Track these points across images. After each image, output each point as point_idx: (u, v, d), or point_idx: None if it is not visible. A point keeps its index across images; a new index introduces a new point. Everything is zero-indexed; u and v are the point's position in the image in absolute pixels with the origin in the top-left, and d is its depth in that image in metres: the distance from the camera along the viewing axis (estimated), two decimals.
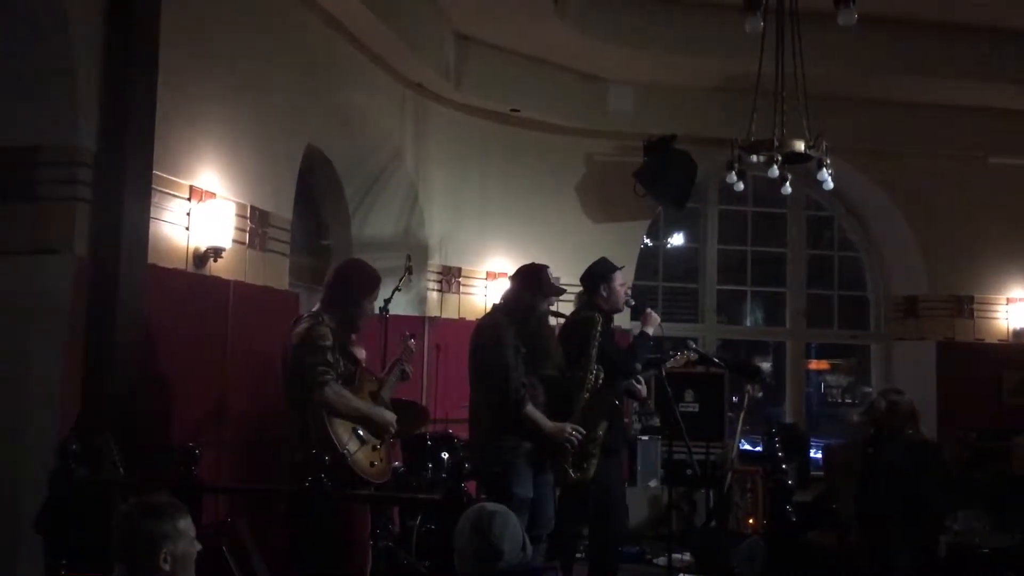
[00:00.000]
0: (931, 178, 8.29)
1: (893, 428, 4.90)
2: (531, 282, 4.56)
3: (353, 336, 4.26)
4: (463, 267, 7.52)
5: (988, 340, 8.33)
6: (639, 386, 5.15)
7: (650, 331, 5.00)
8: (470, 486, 5.05)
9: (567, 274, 5.52)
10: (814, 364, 10.83)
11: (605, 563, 5.02)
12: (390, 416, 4.16)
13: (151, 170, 4.08)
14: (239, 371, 4.78)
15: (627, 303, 5.10)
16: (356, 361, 4.24)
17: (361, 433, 4.00)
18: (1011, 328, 8.33)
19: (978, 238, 8.31)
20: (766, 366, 10.47)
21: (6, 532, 3.70)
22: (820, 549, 5.49)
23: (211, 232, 4.54)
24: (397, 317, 6.03)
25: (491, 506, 2.86)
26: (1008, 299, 8.36)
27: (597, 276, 4.96)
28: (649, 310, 5.08)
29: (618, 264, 5.13)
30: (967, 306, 8.33)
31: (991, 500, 6.05)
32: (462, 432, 5.67)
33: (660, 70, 7.60)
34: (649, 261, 8.64)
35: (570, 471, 4.56)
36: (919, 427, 5.05)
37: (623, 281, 5.02)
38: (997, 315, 8.37)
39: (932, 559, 4.94)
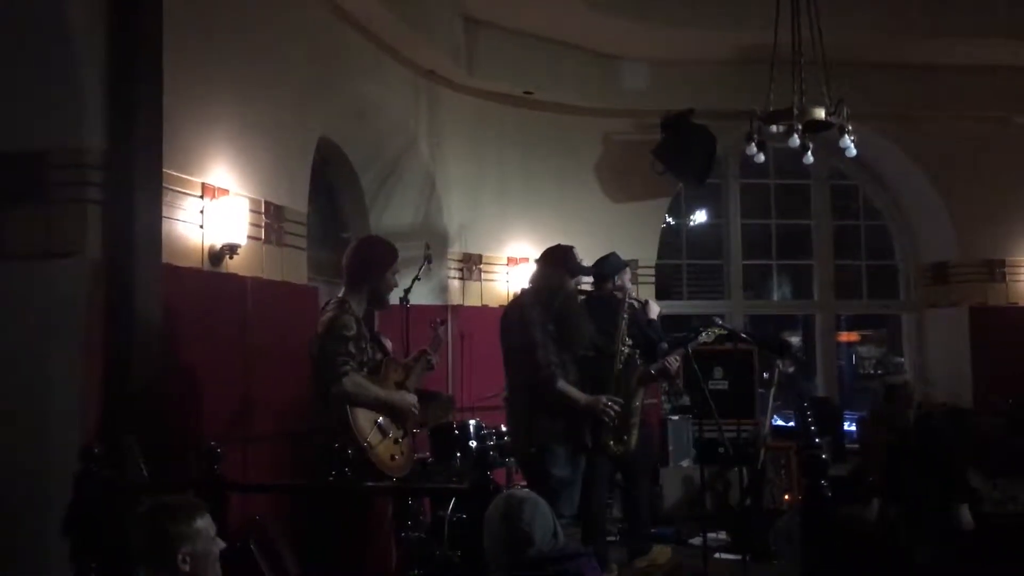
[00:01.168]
0: (956, 141, 8.10)
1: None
2: (557, 262, 4.65)
3: (377, 325, 4.24)
4: (484, 254, 7.46)
5: (1022, 304, 8.14)
6: (674, 363, 5.30)
7: (654, 317, 5.34)
8: (498, 474, 5.02)
9: (589, 256, 5.44)
10: (844, 336, 10.67)
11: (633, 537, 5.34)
12: (411, 398, 4.13)
13: (161, 169, 4.04)
14: (261, 367, 4.75)
15: (635, 300, 5.38)
16: (385, 350, 4.22)
17: (382, 425, 3.96)
18: None
19: (1007, 200, 8.12)
20: (795, 340, 10.34)
21: (35, 535, 3.70)
22: (857, 523, 5.39)
23: (226, 229, 4.50)
24: (419, 306, 5.98)
25: (520, 493, 2.82)
26: None
27: (607, 272, 5.22)
28: (648, 299, 5.56)
29: (626, 257, 5.56)
30: (999, 270, 8.15)
31: None
32: (489, 420, 5.63)
33: (674, 44, 7.47)
34: (672, 239, 8.53)
35: (611, 444, 4.57)
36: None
37: (630, 276, 5.45)
38: None
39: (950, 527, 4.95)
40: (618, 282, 5.21)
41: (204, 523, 2.37)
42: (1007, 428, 6.86)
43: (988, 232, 8.16)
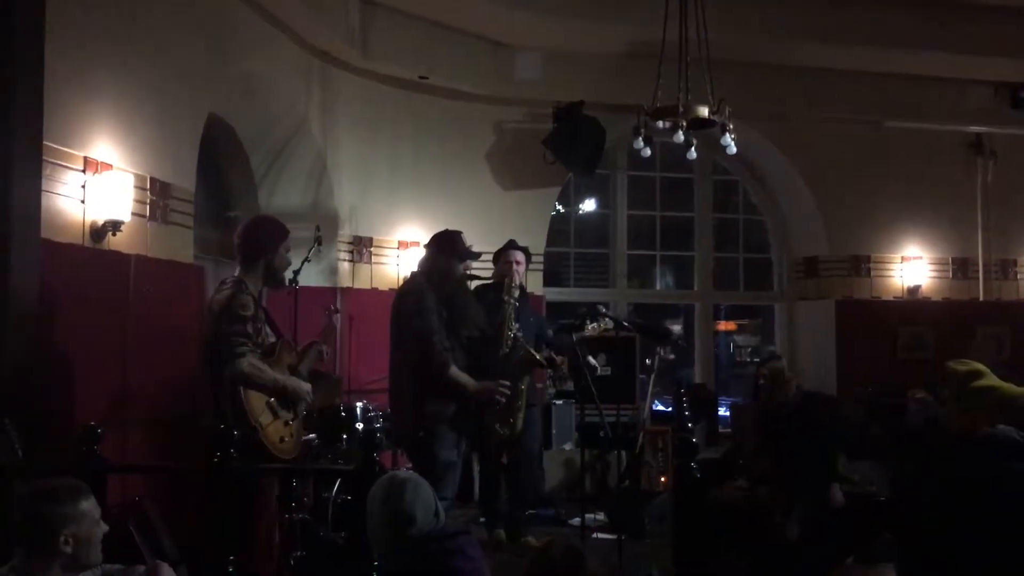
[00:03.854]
0: (829, 142, 8.54)
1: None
2: (446, 247, 4.69)
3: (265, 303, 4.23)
4: (374, 237, 7.46)
5: (884, 298, 8.67)
6: (558, 358, 5.41)
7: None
8: (384, 457, 5.07)
9: (479, 242, 5.52)
10: (722, 325, 11.10)
11: (516, 516, 5.49)
12: (306, 387, 4.15)
13: (41, 141, 3.90)
14: (143, 347, 4.65)
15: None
16: (278, 332, 4.21)
17: (274, 406, 3.96)
18: (905, 286, 8.68)
19: (874, 200, 8.60)
20: (677, 329, 10.69)
21: None
22: (728, 504, 5.67)
23: (108, 205, 4.38)
24: (308, 288, 5.96)
25: (402, 474, 2.89)
26: (903, 257, 8.70)
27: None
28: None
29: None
30: (864, 265, 8.64)
31: (887, 452, 6.32)
32: (376, 402, 5.67)
33: (568, 36, 7.60)
34: (561, 228, 8.71)
35: (497, 427, 4.67)
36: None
37: (519, 260, 5.64)
38: (892, 274, 8.70)
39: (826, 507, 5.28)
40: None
41: (89, 505, 2.35)
42: (866, 415, 7.29)
43: (855, 230, 8.64)
